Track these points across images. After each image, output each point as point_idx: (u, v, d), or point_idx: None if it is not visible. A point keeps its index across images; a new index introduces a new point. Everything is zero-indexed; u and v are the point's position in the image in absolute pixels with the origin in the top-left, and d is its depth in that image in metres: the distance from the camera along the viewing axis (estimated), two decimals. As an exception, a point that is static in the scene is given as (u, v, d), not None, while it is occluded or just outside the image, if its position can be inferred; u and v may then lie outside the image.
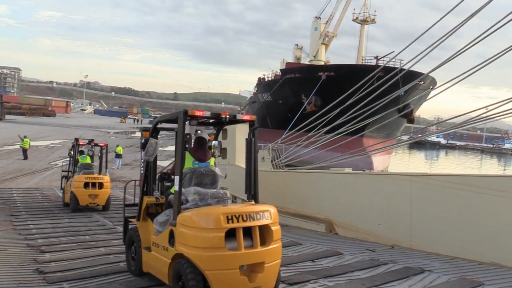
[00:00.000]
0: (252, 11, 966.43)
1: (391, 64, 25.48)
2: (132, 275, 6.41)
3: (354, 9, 53.17)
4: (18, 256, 7.74)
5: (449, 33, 11.09)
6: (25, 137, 29.62)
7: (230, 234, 4.88)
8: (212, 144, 6.26)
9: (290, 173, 12.59)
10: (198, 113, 5.65)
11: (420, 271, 6.68)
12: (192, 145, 6.38)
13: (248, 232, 5.01)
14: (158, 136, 6.58)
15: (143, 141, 6.75)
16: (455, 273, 6.57)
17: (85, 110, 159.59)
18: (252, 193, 6.07)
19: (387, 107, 13.85)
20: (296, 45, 66.87)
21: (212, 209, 5.15)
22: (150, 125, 6.48)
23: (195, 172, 5.72)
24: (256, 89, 67.02)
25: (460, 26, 10.88)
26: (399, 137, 38.40)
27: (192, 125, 6.09)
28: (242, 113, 6.79)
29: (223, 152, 15.25)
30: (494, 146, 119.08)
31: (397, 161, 57.58)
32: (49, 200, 16.01)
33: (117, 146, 29.75)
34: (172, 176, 5.89)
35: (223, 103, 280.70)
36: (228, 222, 4.86)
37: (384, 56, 37.83)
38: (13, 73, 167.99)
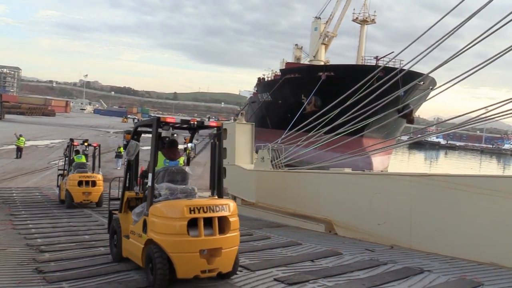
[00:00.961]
0: (251, 11, 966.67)
1: (391, 64, 25.49)
2: (113, 260, 7.19)
3: (354, 9, 53.21)
4: (17, 255, 7.73)
5: (449, 34, 11.09)
6: (20, 135, 29.58)
7: (194, 224, 5.70)
8: (188, 146, 7.33)
9: (289, 173, 12.59)
10: (169, 120, 6.56)
11: (419, 271, 6.68)
12: (165, 146, 7.15)
13: (209, 222, 5.83)
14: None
15: (125, 142, 7.13)
16: (455, 273, 6.57)
17: (84, 109, 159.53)
18: (216, 189, 6.81)
19: (387, 108, 13.85)
20: (296, 45, 66.94)
21: (178, 201, 5.98)
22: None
23: (168, 170, 6.54)
24: (256, 89, 67.06)
25: (460, 26, 10.88)
26: (399, 138, 38.41)
27: (166, 130, 6.80)
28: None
29: (223, 152, 15.25)
30: (494, 146, 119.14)
31: (397, 162, 57.59)
32: (49, 200, 16.00)
33: (119, 147, 29.64)
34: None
35: (223, 103, 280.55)
36: (190, 213, 5.70)
37: (384, 56, 37.88)
38: (12, 72, 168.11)
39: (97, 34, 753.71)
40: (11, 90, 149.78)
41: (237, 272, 6.50)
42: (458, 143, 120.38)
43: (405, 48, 13.54)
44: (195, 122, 6.79)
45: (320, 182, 11.13)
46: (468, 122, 11.09)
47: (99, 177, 14.50)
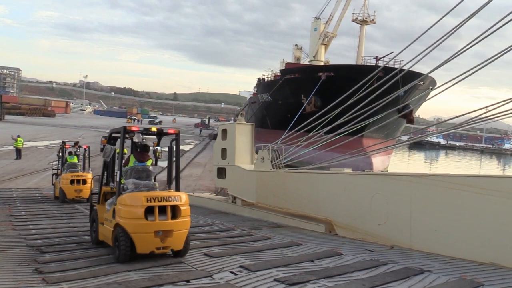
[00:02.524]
0: (250, 12, 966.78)
1: (390, 65, 25.49)
2: (92, 243, 8.66)
3: (354, 9, 53.21)
4: (17, 256, 7.73)
5: (449, 34, 11.08)
6: (18, 136, 29.63)
7: (152, 211, 7.15)
8: (156, 149, 8.85)
9: (289, 173, 12.58)
10: (133, 128, 8.07)
11: (420, 271, 6.67)
12: (137, 150, 8.47)
13: (164, 209, 7.27)
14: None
15: (102, 146, 9.62)
16: (455, 274, 6.56)
17: (84, 110, 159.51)
18: (174, 184, 8.30)
19: (387, 108, 13.84)
20: (296, 45, 66.95)
21: (139, 193, 7.39)
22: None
23: (135, 169, 8.00)
24: (255, 89, 67.11)
25: (460, 26, 10.87)
26: (399, 138, 38.41)
27: (131, 136, 8.14)
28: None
29: (223, 153, 15.27)
30: (494, 146, 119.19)
31: (397, 162, 57.59)
32: (49, 201, 16.02)
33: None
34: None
35: (222, 103, 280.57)
36: (147, 202, 7.16)
37: (384, 57, 37.84)
38: (12, 73, 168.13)
39: (97, 34, 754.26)
40: (11, 91, 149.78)
41: (237, 273, 6.55)
42: (458, 143, 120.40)
43: (404, 48, 13.54)
44: (156, 130, 8.38)
45: (320, 183, 11.12)
46: (468, 122, 11.07)
47: (89, 176, 15.91)
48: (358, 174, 11.13)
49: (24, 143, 31.05)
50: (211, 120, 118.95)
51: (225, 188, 16.15)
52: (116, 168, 8.62)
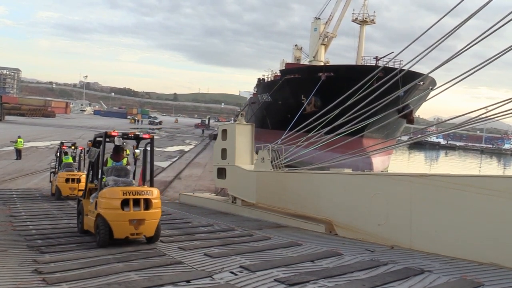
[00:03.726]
0: (249, 12, 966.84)
1: (390, 65, 25.49)
2: (78, 232, 9.92)
3: (353, 10, 53.19)
4: (17, 256, 7.73)
5: (449, 33, 11.09)
6: (18, 137, 29.66)
7: (128, 203, 8.44)
8: (136, 151, 10.17)
9: (290, 173, 12.58)
10: (113, 134, 9.40)
11: (420, 271, 6.67)
12: (112, 152, 10.13)
13: (138, 202, 8.56)
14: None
15: (87, 149, 10.99)
16: (455, 274, 6.56)
17: (84, 110, 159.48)
18: (149, 181, 9.67)
19: (386, 108, 13.83)
20: (296, 45, 66.95)
21: (117, 188, 8.69)
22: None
23: (114, 168, 9.54)
24: (255, 89, 67.11)
25: (460, 27, 10.88)
26: (399, 138, 38.39)
27: (112, 141, 9.53)
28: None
29: (223, 153, 15.27)
30: (494, 146, 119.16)
31: (397, 162, 57.58)
32: (49, 201, 16.02)
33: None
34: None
35: (222, 103, 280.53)
36: (123, 195, 8.46)
37: (384, 57, 37.84)
38: (12, 73, 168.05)
39: (96, 35, 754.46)
40: (11, 92, 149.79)
41: (237, 273, 6.58)
42: (458, 143, 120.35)
43: (404, 48, 13.55)
44: (132, 135, 9.95)
45: (320, 183, 11.12)
46: (468, 122, 11.07)
47: (83, 175, 16.45)
48: (358, 174, 11.13)
49: (24, 143, 31.03)
50: (211, 121, 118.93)
51: (225, 188, 16.15)
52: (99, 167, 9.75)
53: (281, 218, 12.20)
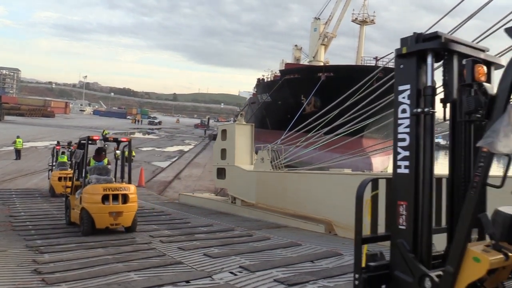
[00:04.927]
0: (248, 12, 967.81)
1: (390, 65, 25.46)
2: (66, 223, 11.04)
3: (353, 10, 53.17)
4: (17, 257, 7.73)
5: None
6: (17, 137, 29.64)
7: (108, 198, 9.68)
8: (116, 153, 11.73)
9: (289, 174, 12.58)
10: (95, 138, 10.80)
11: (419, 271, 6.66)
12: (94, 153, 11.29)
13: (117, 197, 9.78)
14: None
15: (73, 150, 12.75)
16: (455, 274, 6.55)
17: (84, 110, 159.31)
18: (127, 179, 10.78)
19: (386, 108, 13.83)
20: (296, 45, 66.88)
21: (98, 185, 9.93)
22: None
23: (97, 167, 10.76)
24: (255, 89, 67.06)
25: (459, 27, 10.89)
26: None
27: (93, 144, 10.85)
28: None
29: (222, 153, 15.28)
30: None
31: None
32: (48, 201, 16.01)
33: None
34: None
35: (222, 104, 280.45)
36: (104, 191, 9.71)
37: (384, 57, 37.80)
38: (12, 73, 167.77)
39: (96, 35, 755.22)
40: (11, 92, 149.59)
41: (237, 274, 6.59)
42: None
43: (404, 49, 13.54)
44: (112, 138, 11.63)
45: (320, 183, 11.12)
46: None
47: None
48: (358, 174, 11.12)
49: (23, 143, 31.00)
50: (210, 121, 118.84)
51: (225, 188, 16.14)
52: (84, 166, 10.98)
53: (280, 218, 12.19)
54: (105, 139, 11.34)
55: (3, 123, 62.60)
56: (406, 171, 3.19)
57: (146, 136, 64.98)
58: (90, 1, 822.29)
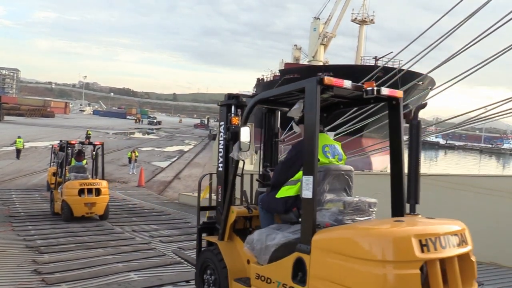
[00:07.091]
0: (246, 12, 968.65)
1: (390, 65, 25.49)
2: (51, 213, 12.70)
3: (353, 10, 53.19)
4: (17, 257, 7.73)
5: (448, 33, 11.09)
6: (18, 137, 29.59)
7: (83, 191, 11.65)
8: (93, 154, 13.84)
9: (289, 173, 12.54)
10: (73, 142, 13.68)
11: (419, 271, 6.65)
12: (76, 154, 13.63)
13: (91, 190, 11.73)
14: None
15: (56, 152, 15.34)
16: (455, 273, 6.54)
17: (84, 111, 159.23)
18: (101, 176, 12.97)
19: (386, 108, 13.85)
20: (295, 45, 66.82)
21: (76, 181, 11.95)
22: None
23: (75, 166, 12.91)
24: (255, 89, 67.00)
25: (459, 27, 10.89)
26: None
27: (70, 147, 13.58)
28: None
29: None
30: (493, 146, 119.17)
31: (396, 162, 57.46)
32: (48, 201, 15.99)
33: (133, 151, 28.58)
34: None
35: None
36: (80, 186, 11.69)
37: (383, 57, 37.81)
38: (11, 74, 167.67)
39: (95, 35, 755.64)
40: (10, 92, 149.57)
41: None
42: (457, 143, 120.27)
43: (404, 48, 13.58)
44: (87, 142, 14.20)
45: (320, 183, 11.09)
46: (467, 122, 11.09)
47: None
48: (358, 174, 11.11)
49: (24, 143, 30.97)
50: (210, 121, 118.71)
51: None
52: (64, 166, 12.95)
53: (280, 218, 12.19)
54: (82, 142, 14.21)
55: (3, 123, 62.55)
56: (221, 169, 5.38)
57: (146, 136, 65.00)
58: (89, 1, 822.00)
